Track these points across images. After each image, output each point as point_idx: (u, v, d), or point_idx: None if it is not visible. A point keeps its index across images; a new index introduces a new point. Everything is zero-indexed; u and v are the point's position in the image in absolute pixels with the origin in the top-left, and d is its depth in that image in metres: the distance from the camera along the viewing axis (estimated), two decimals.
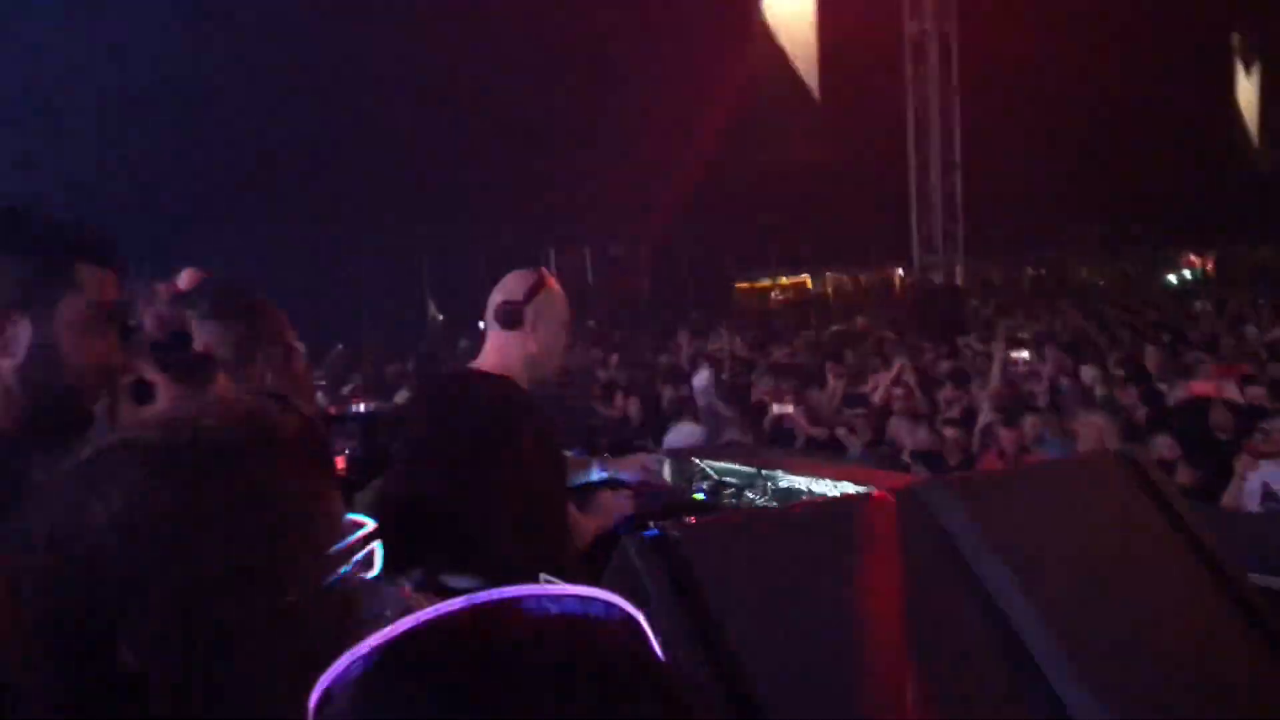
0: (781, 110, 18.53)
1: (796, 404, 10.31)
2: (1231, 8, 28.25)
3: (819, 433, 9.52)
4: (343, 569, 1.02)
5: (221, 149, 18.16)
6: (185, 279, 4.36)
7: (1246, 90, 29.03)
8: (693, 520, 2.91)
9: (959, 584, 1.33)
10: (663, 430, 9.55)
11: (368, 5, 17.90)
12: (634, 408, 11.21)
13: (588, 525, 3.15)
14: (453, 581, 1.80)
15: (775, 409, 10.48)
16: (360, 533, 1.10)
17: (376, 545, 1.12)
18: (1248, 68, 28.85)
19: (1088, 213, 32.73)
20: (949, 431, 8.25)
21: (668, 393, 12.13)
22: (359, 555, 1.07)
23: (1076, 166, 28.18)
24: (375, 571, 1.13)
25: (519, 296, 2.96)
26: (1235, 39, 28.75)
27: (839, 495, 3.00)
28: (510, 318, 2.96)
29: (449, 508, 2.69)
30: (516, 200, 23.55)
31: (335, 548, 1.02)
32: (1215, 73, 28.54)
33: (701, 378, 10.57)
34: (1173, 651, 1.35)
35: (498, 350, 2.99)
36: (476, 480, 2.71)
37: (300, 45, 17.84)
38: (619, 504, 3.29)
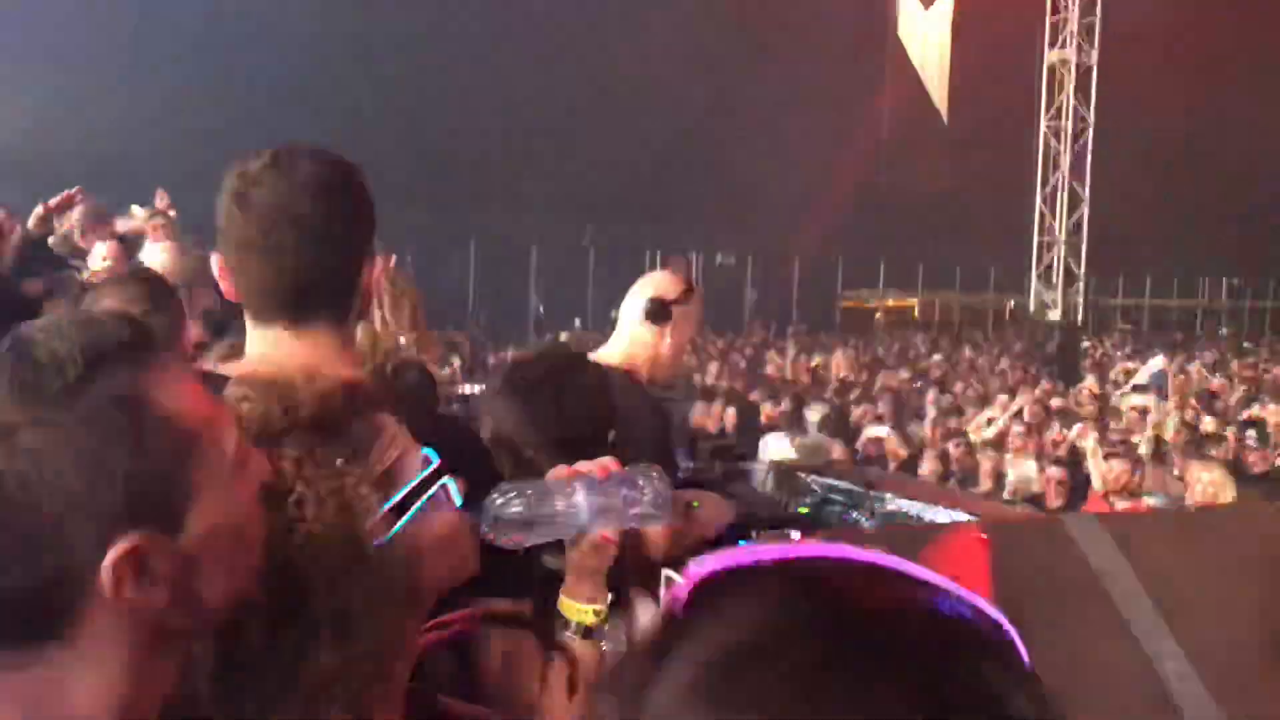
0: (908, 130, 18.23)
1: (893, 428, 10.13)
2: None
3: (906, 458, 9.33)
4: (412, 509, 1.05)
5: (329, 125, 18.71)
6: None
7: None
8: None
9: (1105, 622, 1.27)
10: (756, 442, 9.48)
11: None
12: (730, 418, 11.14)
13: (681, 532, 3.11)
14: (551, 563, 1.79)
15: (870, 431, 10.34)
16: (429, 470, 1.10)
17: (449, 481, 1.12)
18: None
19: (1215, 260, 31.50)
20: (1052, 471, 8.00)
21: (766, 405, 12.05)
22: (429, 492, 1.08)
23: (1208, 213, 27.12)
24: (458, 503, 1.13)
25: (671, 295, 3.01)
26: None
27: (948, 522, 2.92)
28: (658, 314, 2.98)
29: None
30: (628, 201, 23.69)
31: (404, 489, 1.05)
32: None
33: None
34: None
35: (632, 342, 3.00)
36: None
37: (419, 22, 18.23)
38: (720, 511, 3.24)
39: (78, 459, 0.78)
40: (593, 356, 3.13)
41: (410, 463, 1.09)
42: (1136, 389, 11.32)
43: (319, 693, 0.95)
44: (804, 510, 3.36)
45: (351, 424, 1.06)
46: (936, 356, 18.27)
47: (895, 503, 3.30)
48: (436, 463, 1.10)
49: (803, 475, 3.67)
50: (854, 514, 3.35)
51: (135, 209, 6.75)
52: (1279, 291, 34.18)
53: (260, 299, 1.50)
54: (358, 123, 18.55)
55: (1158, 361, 11.81)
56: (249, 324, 1.54)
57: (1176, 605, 1.30)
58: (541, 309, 24.87)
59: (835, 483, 3.53)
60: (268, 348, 1.50)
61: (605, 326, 24.77)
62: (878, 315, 30.41)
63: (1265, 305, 34.29)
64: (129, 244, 5.36)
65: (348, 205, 1.52)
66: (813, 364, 17.08)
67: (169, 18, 16.74)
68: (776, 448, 9.14)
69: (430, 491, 1.08)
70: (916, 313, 30.18)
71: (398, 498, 1.04)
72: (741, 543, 3.00)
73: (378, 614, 0.99)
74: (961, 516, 3.06)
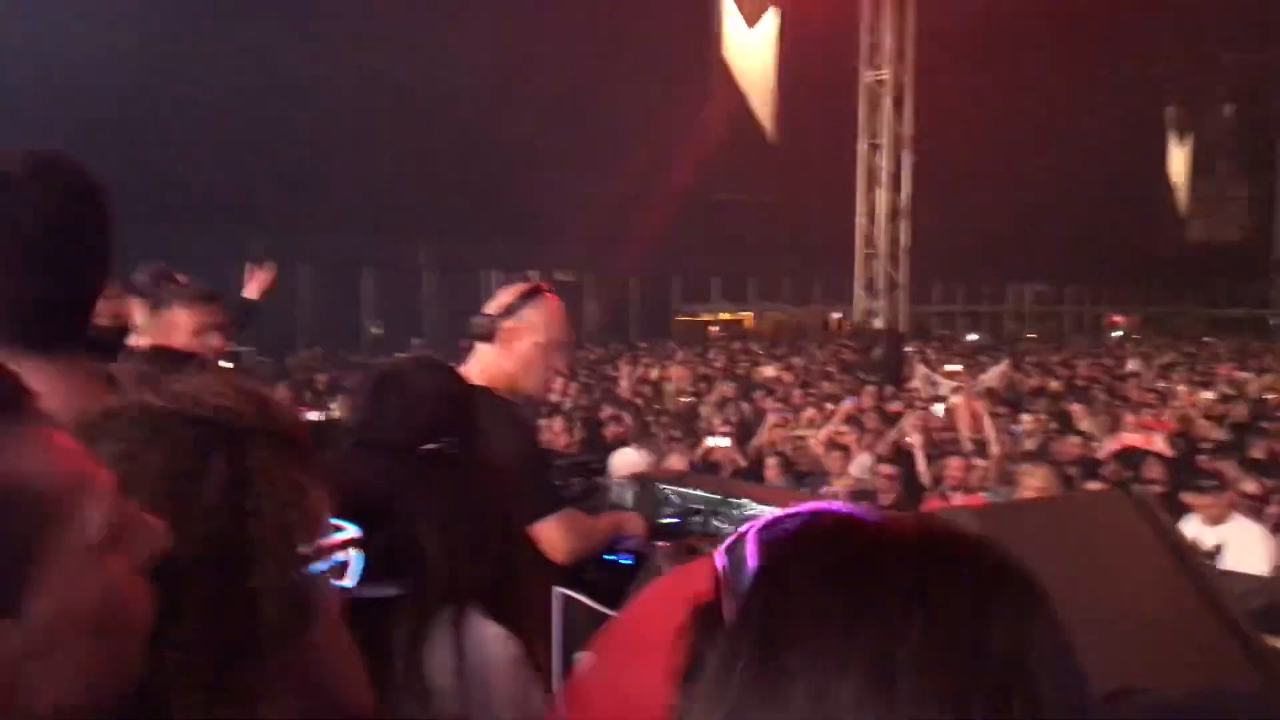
0: (735, 147, 18.75)
1: (731, 437, 10.39)
2: (1165, 85, 29.43)
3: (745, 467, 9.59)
4: (314, 567, 1.01)
5: (158, 151, 17.81)
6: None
7: (1177, 161, 30.14)
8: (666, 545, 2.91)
9: None
10: (604, 457, 9.55)
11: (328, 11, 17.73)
12: (579, 434, 11.18)
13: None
14: None
15: (710, 442, 10.57)
16: (340, 536, 1.08)
17: (355, 554, 1.10)
18: (1180, 140, 29.98)
19: (1028, 270, 33.79)
20: (884, 469, 8.36)
21: (610, 421, 12.15)
22: (335, 559, 1.06)
23: (1019, 227, 29.06)
24: (351, 581, 1.11)
25: (495, 310, 2.97)
26: (1169, 113, 29.87)
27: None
28: (486, 332, 2.94)
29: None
30: (464, 221, 23.50)
31: (308, 546, 1.01)
32: (1151, 145, 29.63)
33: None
34: (1176, 680, 1.38)
35: (479, 363, 2.99)
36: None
37: (244, 48, 17.61)
38: (639, 525, 3.21)
39: None
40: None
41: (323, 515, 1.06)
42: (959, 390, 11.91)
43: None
44: (668, 522, 3.40)
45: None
46: (770, 369, 18.82)
47: (755, 508, 3.39)
48: (351, 533, 1.07)
49: (661, 487, 3.72)
50: (716, 522, 3.42)
51: None
52: (1079, 297, 36.89)
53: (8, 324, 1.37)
54: (177, 142, 17.74)
55: (997, 370, 12.50)
56: None
57: (1055, 595, 1.38)
58: (374, 330, 24.34)
59: (694, 492, 3.59)
60: None
61: (444, 347, 24.56)
62: (712, 329, 31.11)
63: (1065, 310, 36.92)
64: None
65: (86, 225, 1.42)
66: (652, 377, 17.31)
67: None
68: (626, 463, 9.26)
69: (335, 558, 1.05)
70: (749, 325, 31.03)
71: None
72: (608, 556, 3.02)
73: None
74: None
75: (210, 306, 3.59)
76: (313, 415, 5.54)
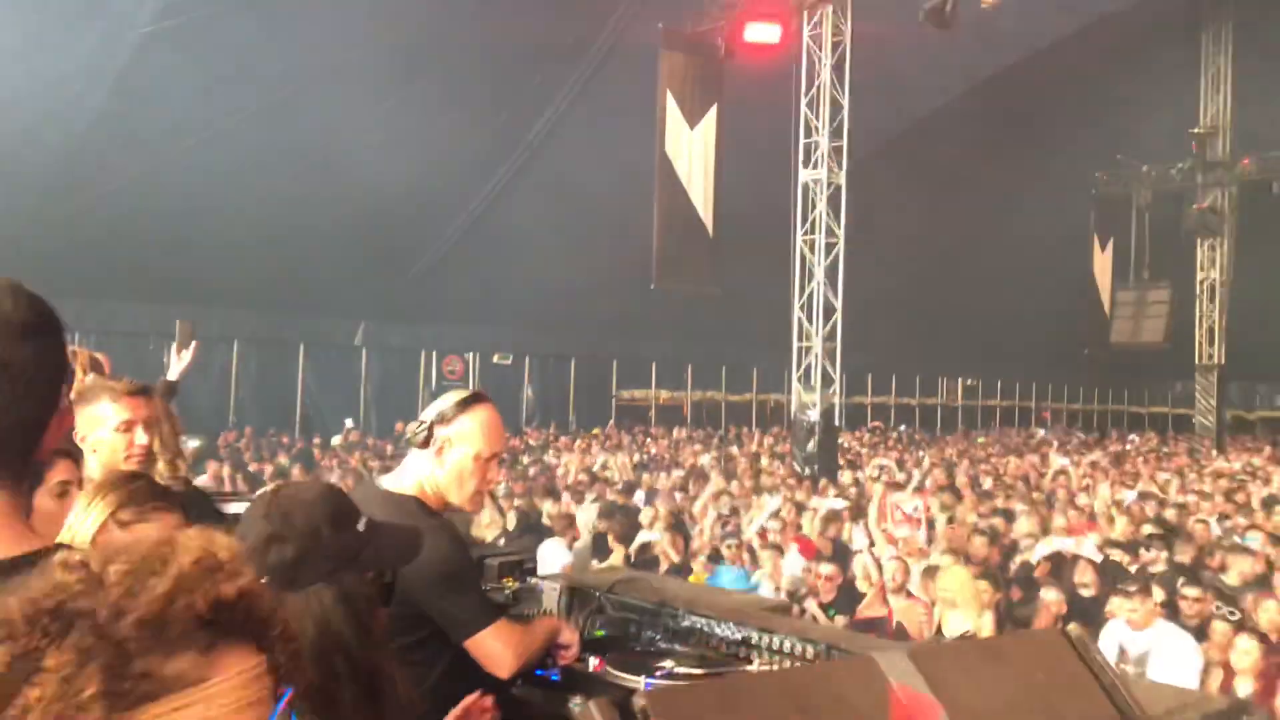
0: (676, 240, 19.04)
1: (665, 530, 10.33)
2: (1091, 190, 30.70)
3: (677, 562, 9.52)
4: None
5: (91, 224, 17.56)
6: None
7: (1100, 263, 31.23)
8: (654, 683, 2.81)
9: None
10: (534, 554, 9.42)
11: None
12: (512, 522, 11.06)
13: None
14: None
15: (642, 537, 10.51)
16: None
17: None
18: (1103, 245, 31.11)
19: (960, 364, 34.59)
20: (825, 569, 8.36)
21: (547, 505, 12.05)
22: None
23: (952, 321, 29.81)
24: None
25: (432, 416, 2.94)
26: (1092, 216, 31.05)
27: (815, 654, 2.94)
28: (422, 438, 2.91)
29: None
30: (402, 302, 23.42)
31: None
32: (1079, 245, 30.73)
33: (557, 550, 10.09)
34: None
35: (414, 469, 2.96)
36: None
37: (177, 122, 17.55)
38: (567, 632, 3.11)
39: None
40: (385, 483, 3.05)
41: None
42: (898, 485, 12.03)
43: None
44: (600, 634, 3.35)
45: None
46: (706, 458, 18.89)
47: (688, 619, 3.35)
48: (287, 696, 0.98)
49: (595, 593, 3.67)
50: (649, 632, 3.37)
51: None
52: (1006, 390, 37.76)
53: None
54: (110, 217, 17.50)
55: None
56: None
57: None
58: (305, 408, 23.96)
59: (629, 600, 3.55)
60: None
61: (376, 428, 24.15)
62: (650, 412, 31.17)
63: (995, 404, 37.72)
64: None
65: (44, 350, 1.34)
66: (591, 465, 17.26)
67: None
68: (553, 557, 9.15)
69: None
70: (687, 409, 31.16)
71: None
72: (539, 671, 2.95)
73: None
74: (753, 633, 3.15)
75: (137, 400, 3.50)
76: (234, 507, 5.38)
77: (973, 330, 30.82)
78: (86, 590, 0.88)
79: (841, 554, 9.41)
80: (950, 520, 10.80)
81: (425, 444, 2.91)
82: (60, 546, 1.39)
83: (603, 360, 28.82)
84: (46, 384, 1.34)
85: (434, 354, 26.10)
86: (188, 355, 5.08)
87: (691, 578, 8.48)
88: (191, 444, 15.17)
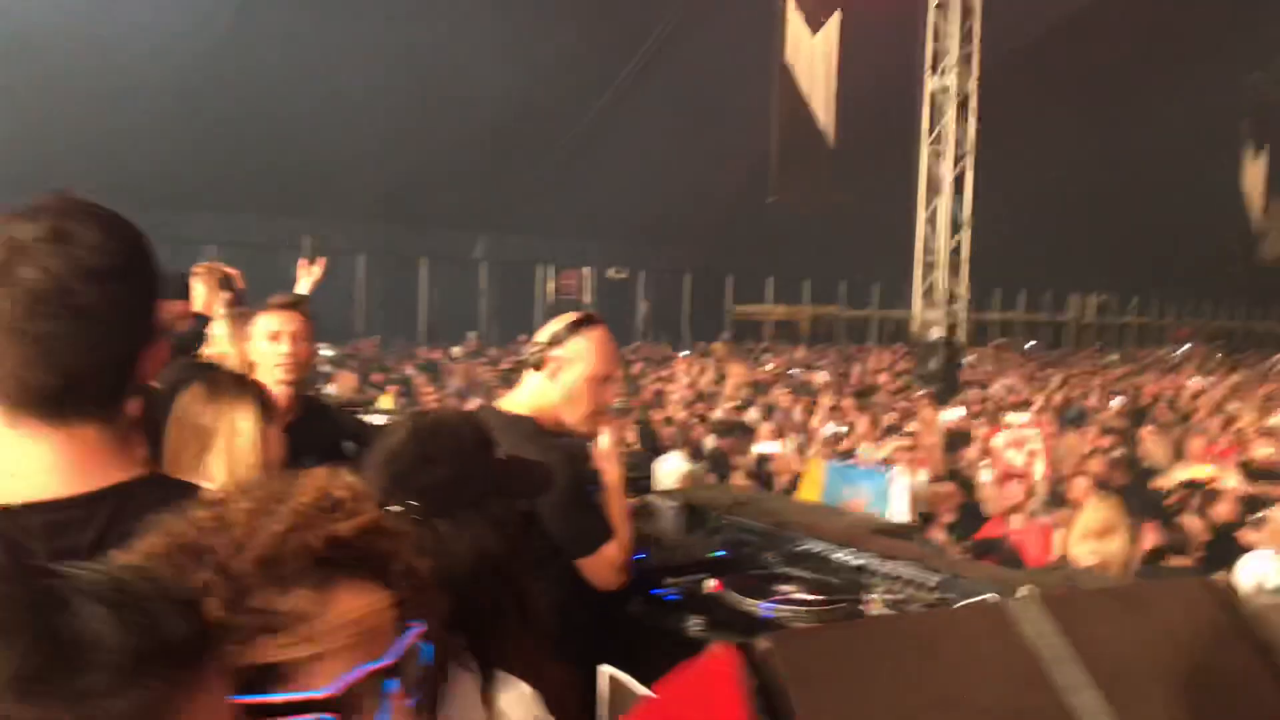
0: (795, 152, 18.59)
1: (783, 443, 10.26)
2: (1244, 96, 28.67)
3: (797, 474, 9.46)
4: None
5: (217, 141, 18.06)
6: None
7: (1252, 174, 29.35)
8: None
9: (1046, 703, 1.29)
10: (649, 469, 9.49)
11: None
12: (631, 436, 11.15)
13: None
14: None
15: (762, 448, 10.46)
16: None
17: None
18: (1256, 152, 29.18)
19: (1092, 279, 33.16)
20: (945, 488, 8.23)
21: (662, 423, 12.12)
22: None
23: (1084, 235, 28.52)
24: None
25: (546, 339, 2.96)
26: (1244, 124, 29.10)
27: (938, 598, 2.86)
28: (532, 360, 2.96)
29: None
30: (520, 214, 23.61)
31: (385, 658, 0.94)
32: (1224, 156, 28.90)
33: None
34: None
35: (530, 391, 2.99)
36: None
37: (302, 41, 17.79)
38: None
39: None
40: (500, 405, 3.09)
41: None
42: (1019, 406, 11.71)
43: None
44: (716, 555, 3.35)
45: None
46: (823, 375, 18.67)
47: (806, 543, 3.32)
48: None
49: (714, 513, 3.67)
50: (765, 555, 3.36)
51: None
52: (1142, 307, 36.12)
53: (17, 392, 1.27)
54: (239, 132, 18.01)
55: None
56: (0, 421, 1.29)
57: (1121, 690, 1.32)
58: (429, 319, 24.58)
59: (746, 522, 3.54)
60: (22, 450, 1.28)
61: (496, 339, 24.73)
62: (765, 328, 30.95)
63: (1129, 321, 36.17)
64: None
65: (132, 286, 1.32)
66: (705, 378, 17.25)
67: None
68: (670, 471, 9.20)
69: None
70: (804, 325, 30.81)
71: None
72: (656, 590, 2.97)
73: None
74: (872, 560, 3.10)
75: (286, 313, 3.61)
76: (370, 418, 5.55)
77: (1107, 244, 29.45)
78: (215, 528, 0.91)
79: (963, 474, 9.24)
80: (1074, 443, 10.46)
81: (539, 366, 2.93)
82: (155, 475, 1.42)
83: (718, 275, 28.63)
84: (131, 320, 1.33)
85: (550, 268, 26.36)
86: (316, 269, 5.22)
87: (803, 490, 8.36)
88: (324, 353, 15.79)
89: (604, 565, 2.81)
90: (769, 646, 1.20)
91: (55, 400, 1.28)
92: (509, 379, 13.59)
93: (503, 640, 1.68)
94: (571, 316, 3.05)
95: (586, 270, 26.86)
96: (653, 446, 10.90)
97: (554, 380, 2.92)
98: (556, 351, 2.92)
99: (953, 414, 11.69)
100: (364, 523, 0.94)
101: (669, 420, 12.12)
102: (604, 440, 3.00)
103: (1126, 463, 9.26)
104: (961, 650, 1.32)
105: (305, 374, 3.66)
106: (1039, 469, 8.54)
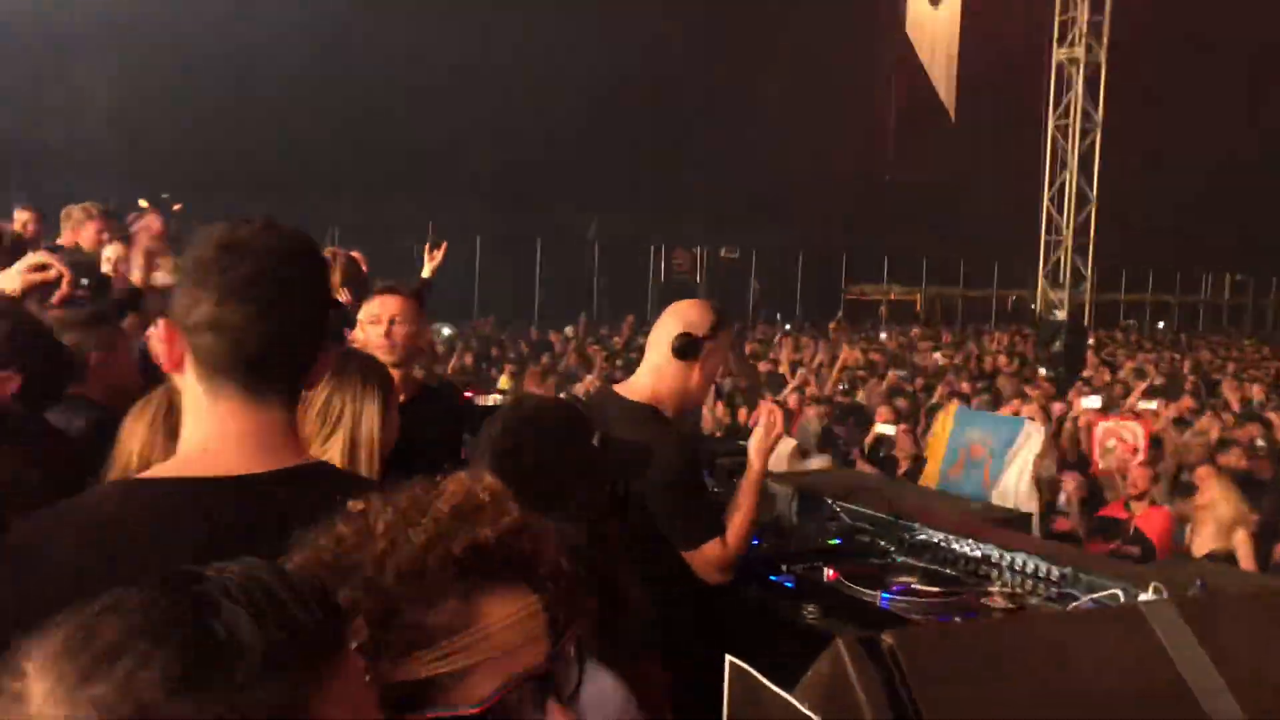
0: (916, 125, 18.17)
1: (901, 429, 10.07)
2: None
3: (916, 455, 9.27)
4: None
5: (326, 122, 18.59)
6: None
7: None
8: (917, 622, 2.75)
9: (1183, 713, 1.26)
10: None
11: None
12: (742, 416, 11.13)
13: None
14: None
15: (879, 428, 10.29)
16: None
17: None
18: None
19: (1225, 258, 31.56)
20: (1069, 477, 8.00)
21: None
22: None
23: (1215, 212, 27.14)
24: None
25: (701, 331, 2.94)
26: None
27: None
28: (687, 349, 2.93)
29: None
30: (631, 194, 23.67)
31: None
32: None
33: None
34: None
35: (659, 376, 2.96)
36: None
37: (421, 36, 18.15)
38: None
39: None
40: (618, 389, 3.11)
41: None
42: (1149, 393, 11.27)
43: None
44: (833, 542, 3.33)
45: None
46: (939, 356, 18.25)
47: (925, 533, 3.28)
48: None
49: (829, 500, 3.65)
50: (883, 543, 3.33)
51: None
52: None
53: (229, 361, 1.37)
54: (356, 118, 18.51)
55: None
56: (199, 395, 1.38)
57: (1259, 698, 1.28)
58: (543, 300, 24.90)
59: (863, 510, 3.51)
60: (221, 425, 1.37)
61: (609, 319, 24.86)
62: (881, 308, 30.39)
63: (1268, 302, 34.33)
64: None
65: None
66: (817, 361, 17.04)
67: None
68: (782, 454, 9.14)
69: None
70: (919, 306, 30.15)
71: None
72: (772, 576, 2.97)
73: None
74: (992, 551, 3.05)
75: (386, 297, 3.68)
76: (488, 399, 5.66)
77: (1241, 221, 27.96)
78: (359, 543, 0.92)
79: (1083, 460, 8.97)
80: (1205, 430, 10.01)
81: (688, 355, 2.93)
82: (322, 463, 1.49)
83: (832, 254, 28.21)
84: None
85: (662, 247, 26.38)
86: (439, 254, 5.36)
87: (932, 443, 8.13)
88: (445, 331, 16.15)
89: (705, 561, 2.80)
90: (893, 643, 1.20)
91: (259, 372, 1.38)
92: (625, 361, 13.68)
93: (590, 630, 1.69)
94: (706, 307, 3.04)
95: (698, 249, 26.79)
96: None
97: (699, 370, 2.94)
98: (710, 343, 2.94)
99: (1091, 401, 11.28)
100: (506, 526, 0.95)
101: (781, 402, 12.03)
102: (759, 432, 2.98)
103: (1257, 452, 8.82)
104: (1094, 655, 1.30)
105: (409, 356, 3.70)
106: (1147, 458, 8.26)
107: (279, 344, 1.38)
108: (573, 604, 0.99)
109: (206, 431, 1.38)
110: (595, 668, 1.64)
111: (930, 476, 5.98)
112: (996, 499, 5.39)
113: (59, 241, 5.33)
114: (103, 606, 0.68)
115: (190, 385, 1.39)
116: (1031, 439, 5.72)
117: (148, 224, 5.35)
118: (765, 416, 3.01)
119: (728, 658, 2.17)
